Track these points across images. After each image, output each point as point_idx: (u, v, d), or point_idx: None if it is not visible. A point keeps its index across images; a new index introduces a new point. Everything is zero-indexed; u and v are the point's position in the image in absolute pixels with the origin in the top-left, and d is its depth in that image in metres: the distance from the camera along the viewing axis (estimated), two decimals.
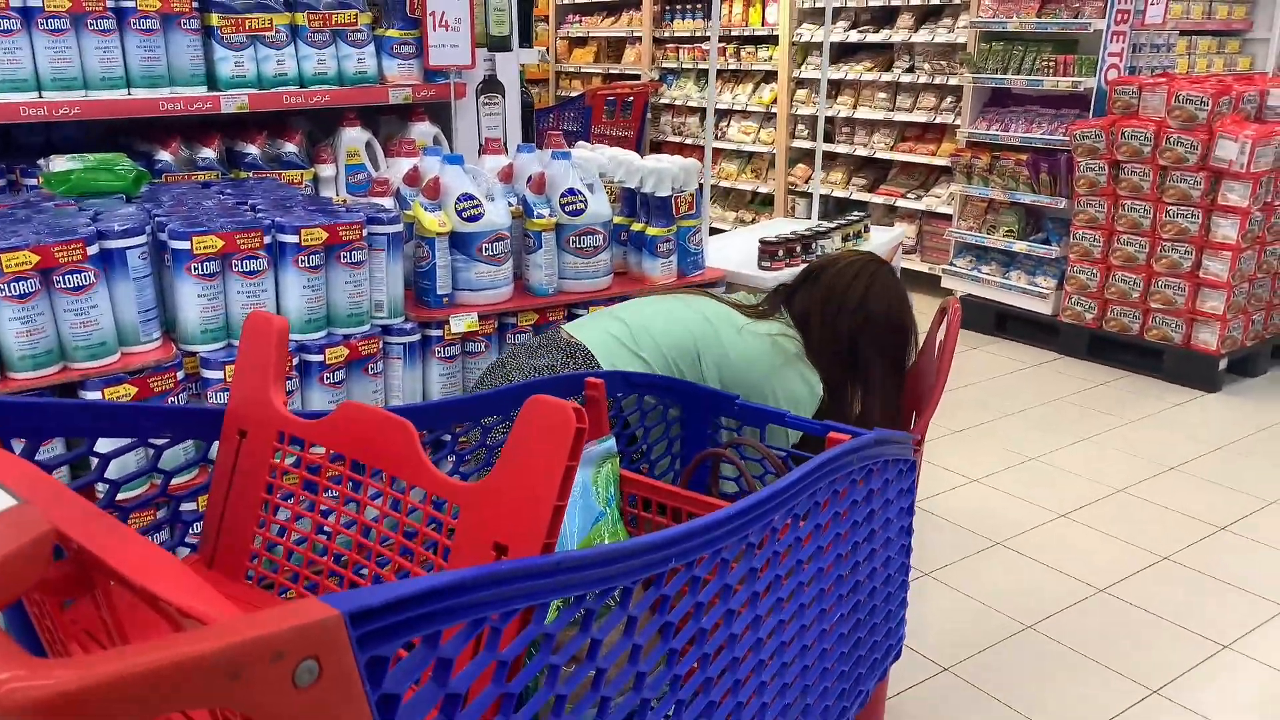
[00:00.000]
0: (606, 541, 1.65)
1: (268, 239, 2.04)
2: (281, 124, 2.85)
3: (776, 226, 3.51)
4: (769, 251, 2.95)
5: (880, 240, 3.38)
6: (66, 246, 1.81)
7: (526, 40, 3.16)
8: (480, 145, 2.92)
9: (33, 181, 2.38)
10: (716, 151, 7.65)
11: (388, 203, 2.45)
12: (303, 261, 2.06)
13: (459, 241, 2.32)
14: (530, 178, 2.46)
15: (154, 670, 0.55)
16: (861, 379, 2.12)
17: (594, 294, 2.51)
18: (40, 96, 2.38)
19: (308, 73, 2.70)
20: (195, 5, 2.52)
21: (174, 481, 1.28)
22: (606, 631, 1.01)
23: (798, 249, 3.02)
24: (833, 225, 3.20)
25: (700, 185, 2.90)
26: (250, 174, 2.70)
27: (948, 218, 5.92)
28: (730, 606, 1.19)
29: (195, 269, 1.97)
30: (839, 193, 6.75)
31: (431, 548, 1.08)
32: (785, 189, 7.12)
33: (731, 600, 1.20)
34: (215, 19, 2.55)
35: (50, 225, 1.89)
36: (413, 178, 2.45)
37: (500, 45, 3.03)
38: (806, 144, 6.82)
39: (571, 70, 8.88)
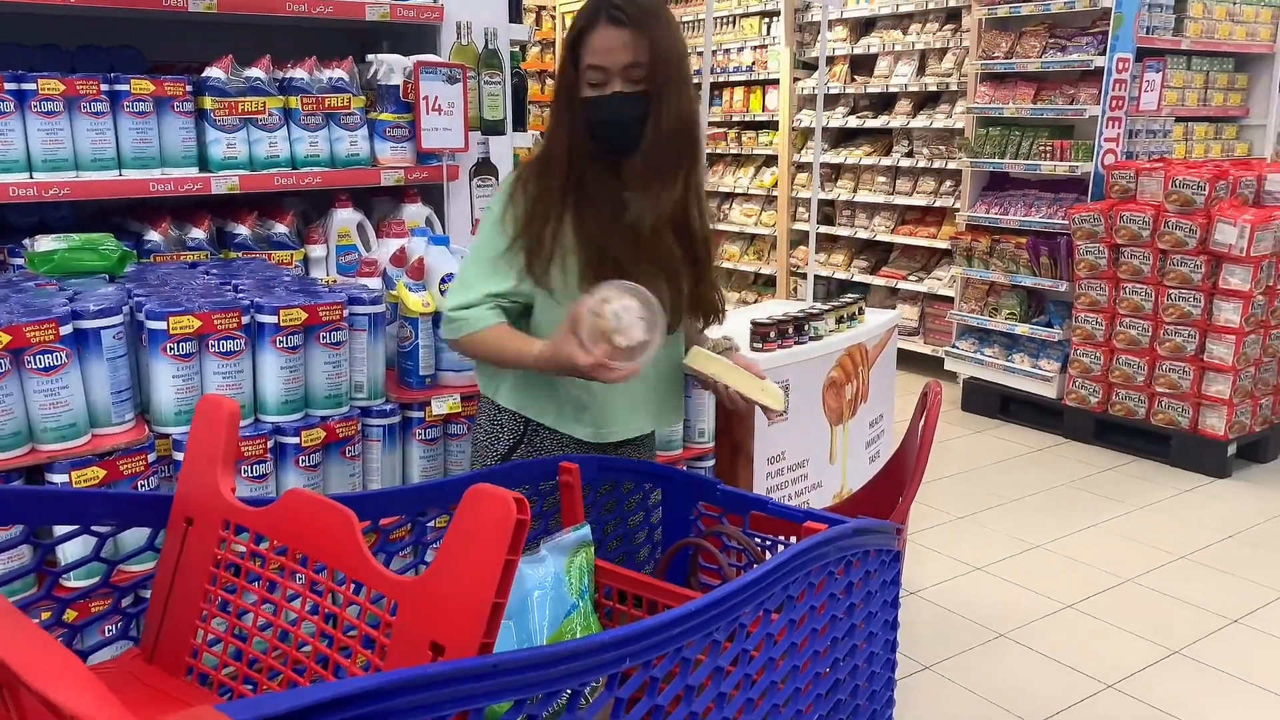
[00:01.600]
0: (579, 635, 1.59)
1: (246, 319, 2.02)
2: (275, 204, 2.86)
3: (770, 308, 3.48)
4: (761, 333, 2.92)
5: (876, 322, 3.35)
6: (39, 326, 1.79)
7: (521, 124, 3.19)
8: (473, 226, 2.92)
9: (19, 261, 2.38)
10: (720, 233, 7.70)
11: (374, 283, 2.44)
12: (281, 342, 2.04)
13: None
14: None
15: None
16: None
17: None
18: (31, 177, 2.40)
19: (300, 155, 2.72)
20: (189, 89, 2.55)
21: (131, 568, 1.24)
22: None
23: (790, 330, 2.98)
24: (826, 307, 3.17)
25: None
26: (240, 254, 2.70)
27: (950, 300, 5.91)
28: (694, 709, 1.12)
29: (171, 349, 1.95)
30: (841, 275, 6.76)
31: (372, 645, 1.02)
32: (787, 270, 7.14)
33: (695, 702, 1.13)
34: (209, 102, 2.58)
35: (26, 305, 1.87)
36: (399, 258, 2.44)
37: (494, 129, 3.06)
38: (807, 226, 6.86)
39: None
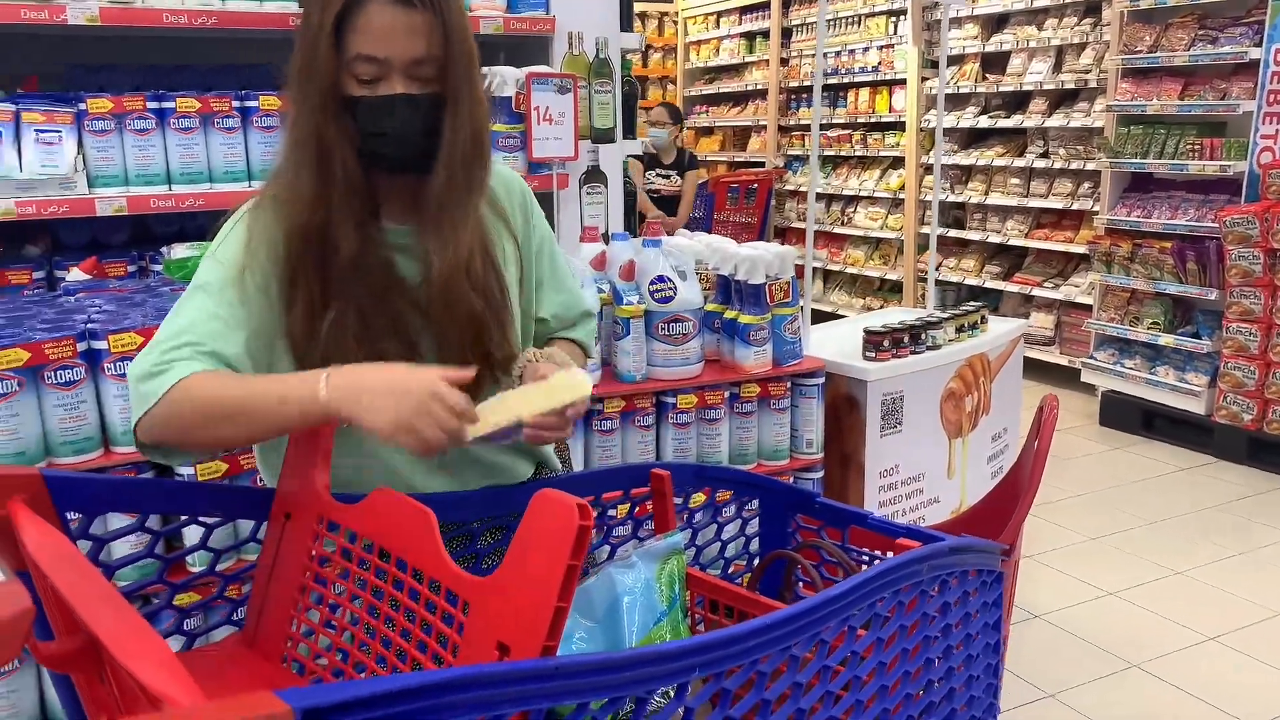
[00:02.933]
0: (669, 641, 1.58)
1: None
2: None
3: (887, 315, 3.39)
4: (874, 341, 2.84)
5: (999, 331, 3.22)
6: None
7: (630, 132, 3.20)
8: (582, 233, 2.95)
9: (158, 267, 2.53)
10: (844, 237, 7.57)
11: None
12: None
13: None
14: (621, 265, 2.46)
15: None
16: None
17: (683, 381, 2.47)
18: (170, 189, 2.55)
19: None
20: None
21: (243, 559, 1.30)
22: None
23: (905, 339, 2.90)
24: (945, 315, 3.07)
25: (799, 272, 2.84)
26: None
27: (1087, 308, 5.63)
28: None
29: None
30: (971, 280, 6.54)
31: (446, 643, 1.04)
32: (914, 276, 6.95)
33: (772, 716, 1.10)
34: None
35: (159, 309, 1.99)
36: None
37: (604, 137, 3.09)
38: (938, 230, 6.66)
39: (698, 159, 9.02)
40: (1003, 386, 3.20)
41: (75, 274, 2.43)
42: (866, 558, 1.74)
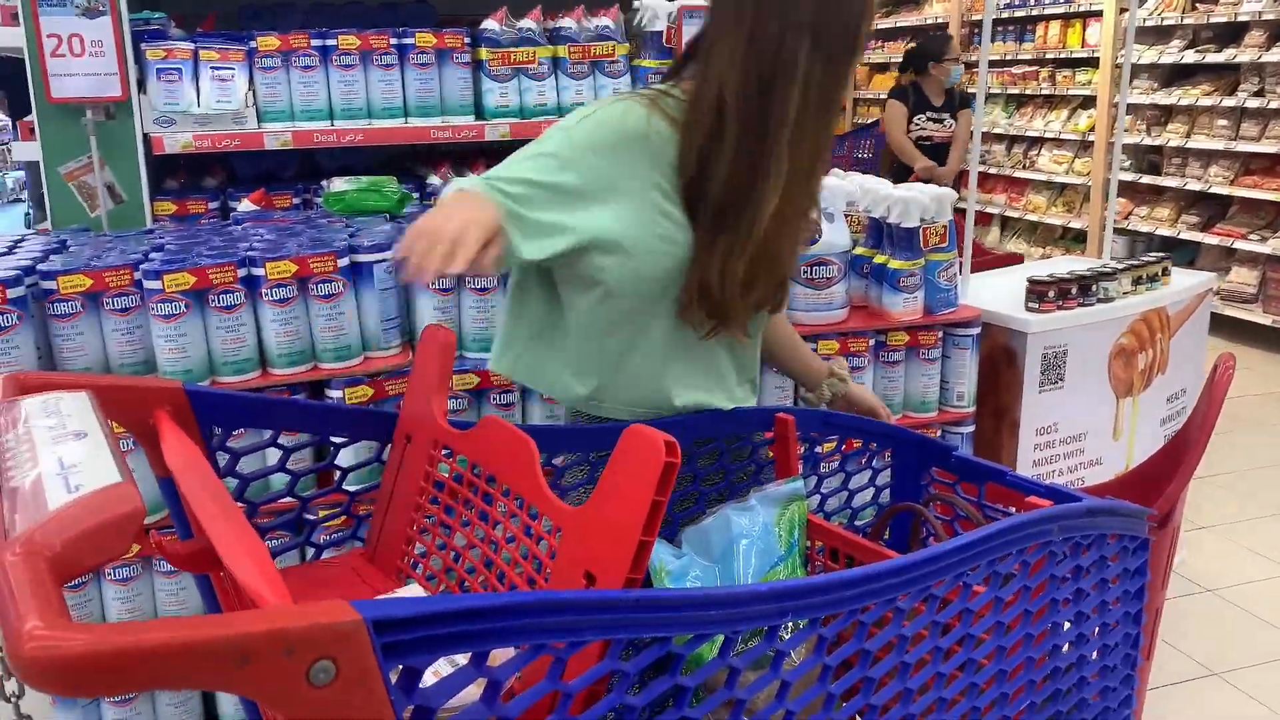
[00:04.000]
0: None
1: None
2: None
3: (1056, 265, 3.18)
4: (1037, 291, 2.67)
5: (1183, 285, 2.97)
6: (321, 259, 1.99)
7: None
8: None
9: (320, 200, 2.65)
10: (1025, 182, 7.15)
11: None
12: None
13: None
14: None
15: (160, 648, 0.58)
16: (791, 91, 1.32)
17: (827, 326, 2.39)
18: (332, 124, 2.66)
19: (566, 103, 2.81)
20: (466, 41, 2.71)
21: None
22: (699, 679, 0.93)
23: (1073, 290, 2.71)
24: (1121, 266, 2.85)
25: (958, 216, 2.69)
26: None
27: None
28: (870, 675, 1.06)
29: (433, 283, 2.10)
30: (1164, 231, 6.06)
31: (541, 568, 1.06)
32: (1099, 224, 6.50)
33: (872, 669, 1.06)
34: (485, 53, 2.72)
35: (314, 239, 2.09)
36: None
37: None
38: (1129, 176, 6.19)
39: (870, 98, 8.68)
40: (1183, 344, 2.95)
41: (245, 204, 2.58)
42: (1002, 516, 1.65)
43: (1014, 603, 1.21)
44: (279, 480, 1.37)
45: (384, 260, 2.08)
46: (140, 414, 1.15)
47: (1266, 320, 5.39)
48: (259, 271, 1.97)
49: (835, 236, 2.36)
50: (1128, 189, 6.23)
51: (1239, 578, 3.02)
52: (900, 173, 5.00)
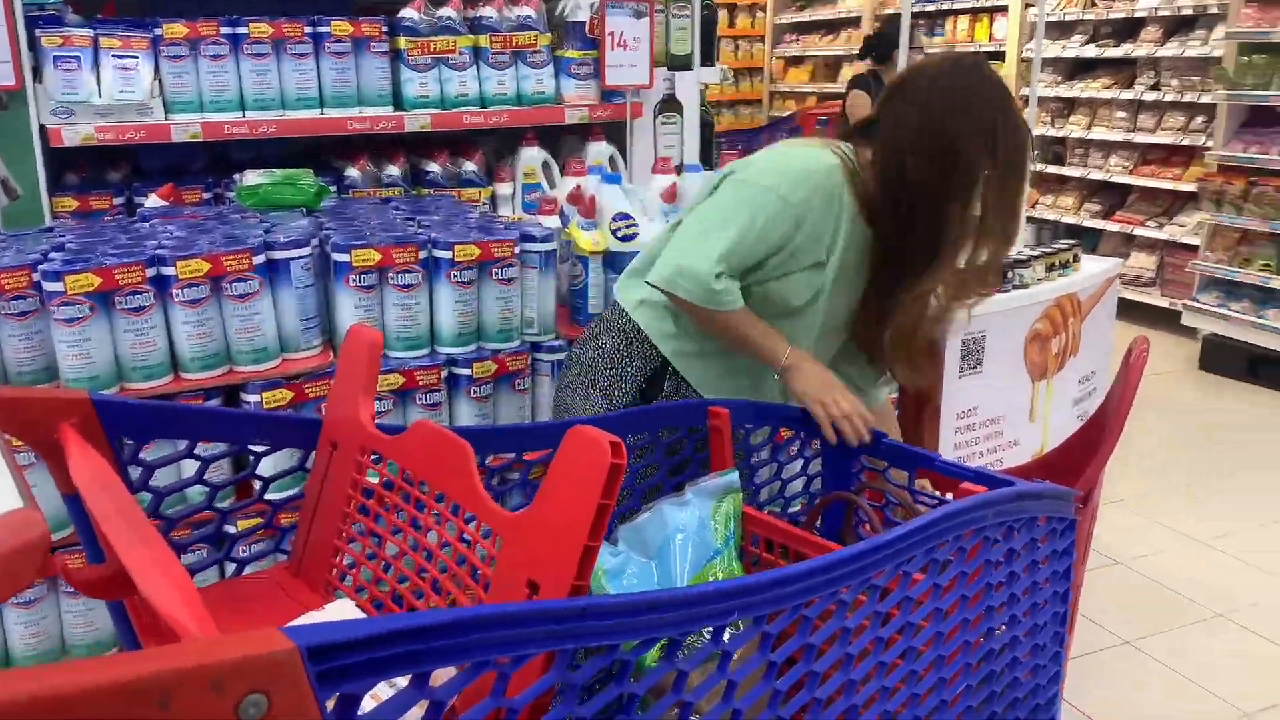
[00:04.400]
0: (722, 580, 1.55)
1: (424, 254, 2.08)
2: (467, 142, 2.94)
3: None
4: None
5: (1092, 271, 3.06)
6: (236, 256, 1.92)
7: (709, 59, 3.10)
8: (655, 164, 2.87)
9: (232, 194, 2.56)
10: None
11: (552, 221, 2.45)
12: (455, 276, 2.09)
13: (613, 260, 2.28)
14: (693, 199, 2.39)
15: (68, 694, 0.53)
16: (969, 197, 1.64)
17: None
18: (244, 116, 2.57)
19: (488, 93, 2.76)
20: (384, 30, 2.64)
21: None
22: (647, 685, 0.91)
23: None
24: (1035, 253, 2.92)
25: None
26: (431, 191, 2.79)
27: (1193, 249, 5.33)
28: (814, 669, 1.06)
29: (354, 280, 2.04)
30: (1069, 219, 6.26)
31: (479, 578, 1.03)
32: None
33: (816, 662, 1.06)
34: (403, 42, 2.66)
35: (227, 235, 2.01)
36: (575, 197, 2.44)
37: (681, 64, 2.99)
38: (1035, 165, 6.36)
39: (786, 90, 8.77)
40: (1093, 328, 3.05)
41: (153, 200, 2.47)
42: (933, 501, 1.68)
43: (951, 588, 1.22)
44: (196, 493, 1.31)
45: (302, 256, 2.01)
46: (42, 427, 1.09)
47: (1164, 303, 5.60)
48: (169, 271, 1.88)
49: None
50: (1034, 178, 6.41)
51: (1149, 549, 3.13)
52: None
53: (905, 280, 1.72)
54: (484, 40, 2.74)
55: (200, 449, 1.28)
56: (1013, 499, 1.29)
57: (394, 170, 2.78)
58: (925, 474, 1.69)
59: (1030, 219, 6.40)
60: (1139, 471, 3.67)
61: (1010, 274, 2.82)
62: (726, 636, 0.97)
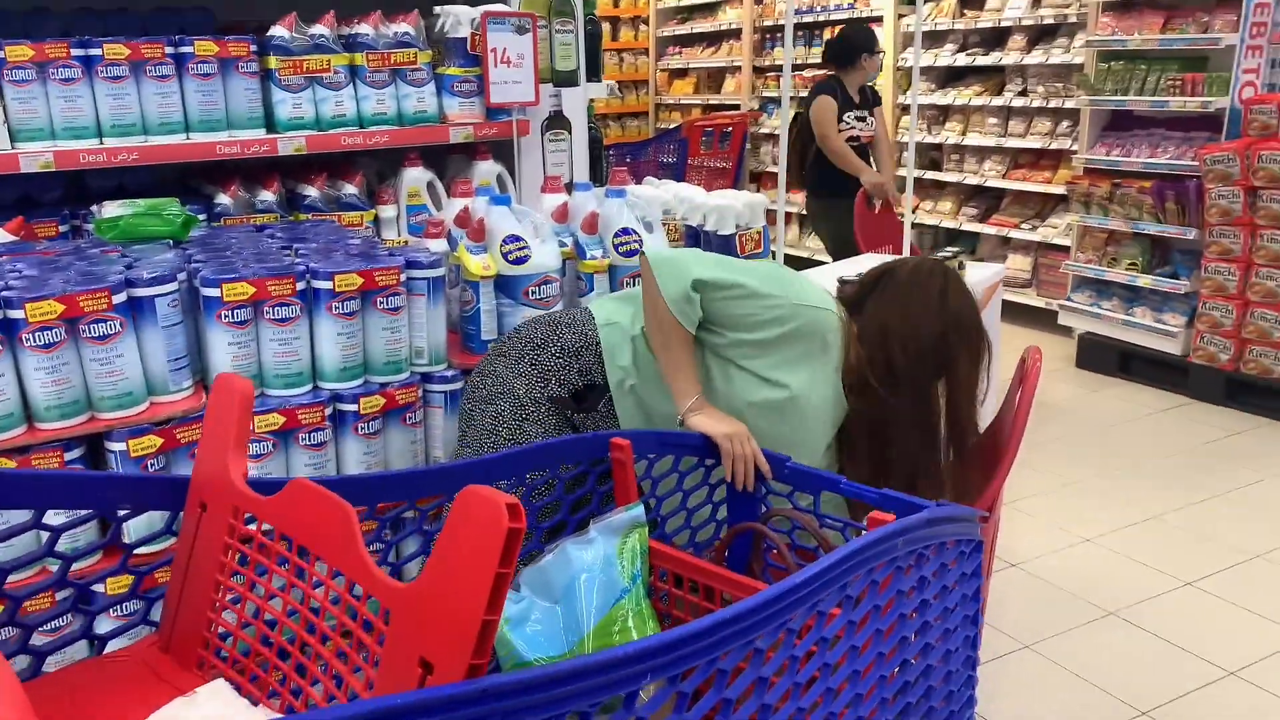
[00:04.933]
0: (630, 622, 1.49)
1: (301, 285, 1.96)
2: (347, 164, 2.82)
3: (861, 263, 3.29)
4: None
5: (978, 277, 3.13)
6: (92, 295, 1.77)
7: (595, 74, 3.05)
8: (545, 183, 2.81)
9: (91, 227, 2.38)
10: None
11: (439, 244, 2.37)
12: (337, 308, 1.98)
13: (505, 285, 2.21)
14: (584, 217, 2.34)
15: None
16: (950, 383, 1.90)
17: None
18: (101, 143, 2.39)
19: (367, 113, 2.65)
20: (253, 49, 2.51)
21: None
22: None
23: None
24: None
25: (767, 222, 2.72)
26: (309, 216, 2.66)
27: (1065, 249, 5.54)
28: None
29: (226, 316, 1.91)
30: (948, 223, 6.44)
31: (368, 654, 0.94)
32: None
33: (734, 715, 1.02)
34: (274, 62, 2.52)
35: (83, 273, 1.86)
36: (463, 219, 2.36)
37: (567, 80, 2.93)
38: (912, 172, 6.52)
39: (671, 102, 8.81)
40: None
41: (1, 235, 2.28)
42: (839, 524, 1.66)
43: (865, 623, 1.19)
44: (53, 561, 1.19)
45: (166, 293, 1.88)
46: None
47: (1040, 303, 5.81)
48: (17, 314, 1.73)
49: (655, 246, 2.32)
50: (913, 184, 6.58)
51: (1040, 550, 3.21)
52: (826, 182, 4.87)
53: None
54: (360, 59, 2.63)
55: (52, 516, 1.16)
56: (923, 525, 1.27)
57: (268, 196, 2.64)
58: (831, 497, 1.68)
59: (911, 224, 6.56)
60: (1026, 471, 3.78)
61: None
62: (643, 699, 0.91)
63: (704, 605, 1.53)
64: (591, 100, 3.04)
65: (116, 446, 1.82)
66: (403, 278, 2.05)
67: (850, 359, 1.86)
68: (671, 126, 7.49)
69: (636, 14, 9.02)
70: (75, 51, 2.33)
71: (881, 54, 4.97)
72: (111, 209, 2.22)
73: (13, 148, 2.32)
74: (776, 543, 1.52)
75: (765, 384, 1.80)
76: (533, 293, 2.22)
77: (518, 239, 2.22)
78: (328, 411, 2.00)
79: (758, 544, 1.67)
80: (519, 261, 2.21)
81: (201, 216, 2.53)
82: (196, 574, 1.12)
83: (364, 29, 2.65)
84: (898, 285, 1.90)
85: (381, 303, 2.03)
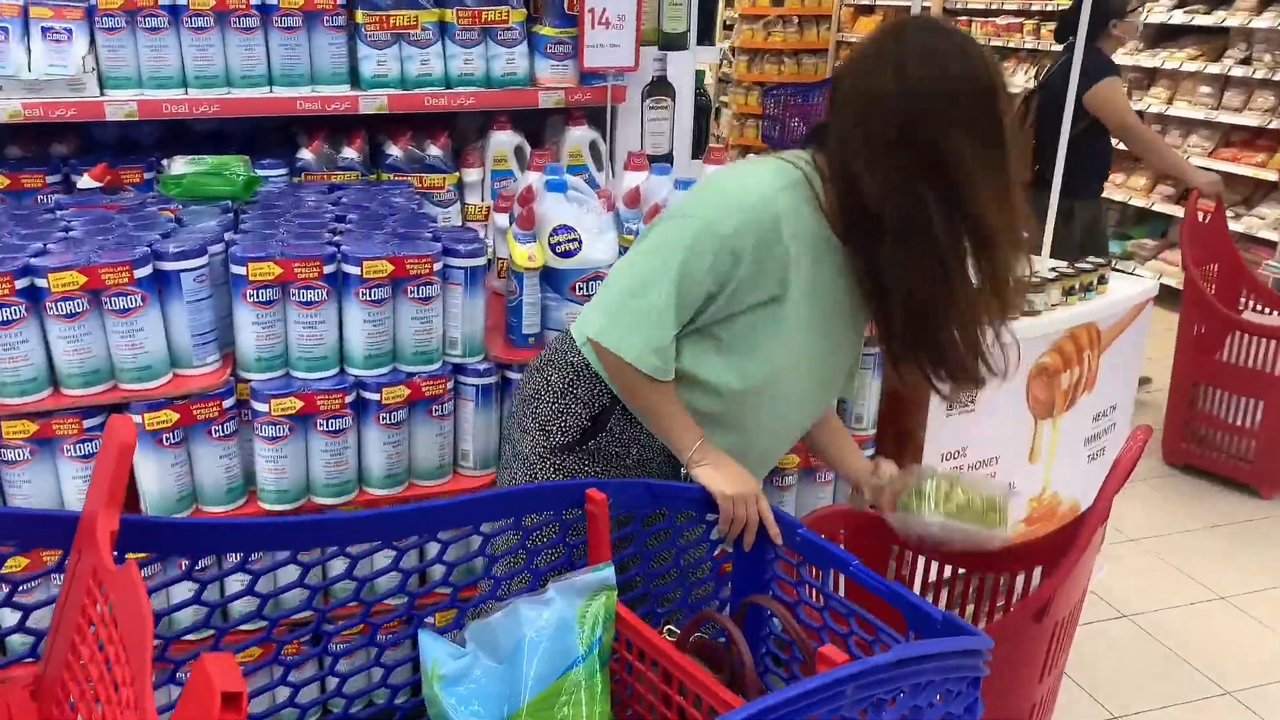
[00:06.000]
0: (581, 695, 1.36)
1: (330, 268, 1.89)
2: (434, 123, 2.72)
3: None
4: None
5: (1121, 295, 2.73)
6: (114, 269, 1.76)
7: (707, 37, 2.81)
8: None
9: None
10: None
11: (503, 219, 2.24)
12: (365, 295, 1.90)
13: (551, 278, 2.07)
14: (651, 206, 2.15)
15: None
16: (952, 181, 1.40)
17: None
18: (186, 93, 2.39)
19: (454, 73, 2.54)
20: (340, 2, 2.43)
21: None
22: None
23: None
24: (1052, 275, 2.61)
25: None
26: (391, 176, 2.59)
27: (1270, 245, 4.87)
28: None
29: (251, 295, 1.87)
30: (1138, 201, 5.80)
31: None
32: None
33: None
34: (360, 16, 2.44)
35: (125, 238, 1.86)
36: (526, 197, 2.22)
37: (674, 43, 2.71)
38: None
39: (855, 40, 8.27)
40: (1116, 359, 2.73)
41: (85, 181, 2.32)
42: (843, 609, 1.45)
43: None
44: None
45: (193, 268, 1.84)
46: None
47: None
48: (42, 283, 1.73)
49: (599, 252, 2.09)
50: (1123, 159, 5.93)
51: (1156, 602, 2.86)
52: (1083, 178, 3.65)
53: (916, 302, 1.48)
54: (450, 15, 2.50)
55: None
56: (883, 669, 1.06)
57: (351, 153, 2.58)
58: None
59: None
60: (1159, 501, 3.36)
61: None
62: None
63: (663, 688, 1.38)
64: (701, 66, 2.81)
65: (135, 418, 1.83)
66: (437, 266, 1.94)
67: (825, 205, 1.50)
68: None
69: None
70: (163, 1, 2.32)
71: (1138, 13, 3.84)
72: (179, 165, 2.21)
73: (101, 95, 2.34)
74: (789, 623, 1.36)
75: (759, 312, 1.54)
76: (580, 289, 2.07)
77: (569, 229, 2.06)
78: (349, 399, 1.94)
79: (740, 619, 1.49)
80: (567, 254, 2.06)
81: (283, 171, 2.51)
82: (65, 625, 1.07)
83: None
84: (852, 73, 1.47)
85: (412, 291, 1.93)
